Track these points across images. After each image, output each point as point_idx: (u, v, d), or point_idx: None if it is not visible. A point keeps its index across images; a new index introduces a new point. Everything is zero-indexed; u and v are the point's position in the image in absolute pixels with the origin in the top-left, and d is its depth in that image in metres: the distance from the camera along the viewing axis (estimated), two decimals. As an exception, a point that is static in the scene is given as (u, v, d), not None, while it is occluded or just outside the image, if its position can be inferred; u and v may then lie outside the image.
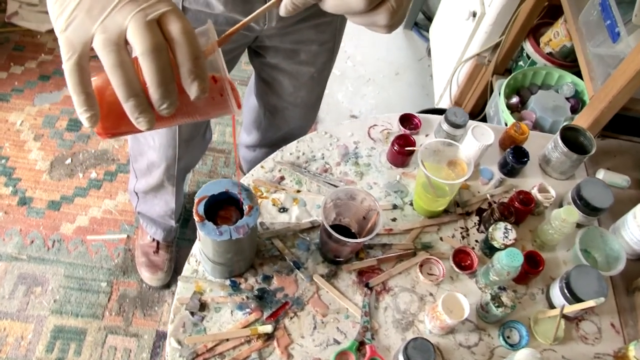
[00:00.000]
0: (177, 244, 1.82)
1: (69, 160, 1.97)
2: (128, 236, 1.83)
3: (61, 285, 1.71)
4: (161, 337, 1.66)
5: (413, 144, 1.09)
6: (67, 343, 1.61)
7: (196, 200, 0.81)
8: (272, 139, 1.60)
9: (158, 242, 1.74)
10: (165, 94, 0.50)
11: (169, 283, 1.75)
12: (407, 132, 1.15)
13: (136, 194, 1.57)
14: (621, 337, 1.00)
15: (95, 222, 1.85)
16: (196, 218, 0.80)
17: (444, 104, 2.15)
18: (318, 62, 1.23)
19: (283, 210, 1.03)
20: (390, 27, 0.56)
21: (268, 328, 0.89)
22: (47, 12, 2.29)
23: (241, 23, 0.58)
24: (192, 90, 0.51)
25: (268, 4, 0.58)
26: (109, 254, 1.79)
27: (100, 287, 1.72)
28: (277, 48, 1.16)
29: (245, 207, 0.81)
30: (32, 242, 1.78)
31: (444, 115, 1.13)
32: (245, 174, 1.89)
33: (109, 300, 1.70)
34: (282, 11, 0.56)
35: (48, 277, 1.72)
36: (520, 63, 1.71)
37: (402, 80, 2.52)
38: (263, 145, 1.66)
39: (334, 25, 1.16)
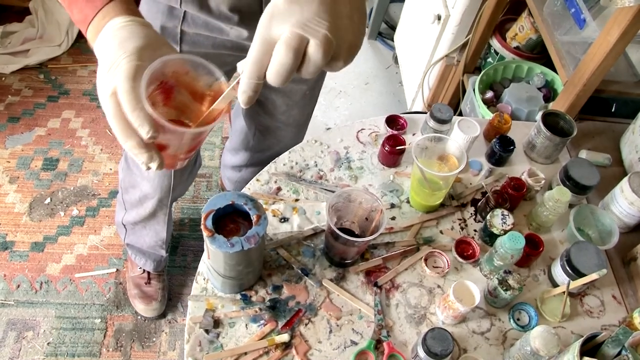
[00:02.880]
0: (167, 272, 1.80)
1: (48, 200, 1.94)
2: (117, 270, 1.80)
3: (53, 327, 1.66)
4: (162, 368, 1.63)
5: (403, 142, 1.11)
6: (66, 385, 1.57)
7: (203, 215, 0.81)
8: (260, 158, 1.60)
9: (149, 273, 1.71)
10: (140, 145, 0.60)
11: (165, 312, 1.73)
12: (395, 132, 1.17)
13: (124, 226, 1.55)
14: (623, 307, 1.03)
15: (82, 259, 1.81)
16: (206, 233, 0.80)
17: (417, 107, 2.19)
18: (311, 79, 1.24)
19: (284, 220, 1.04)
20: (344, 66, 0.61)
21: (285, 337, 0.89)
22: (10, 54, 2.26)
23: (214, 104, 0.64)
24: (141, 133, 0.58)
25: (225, 94, 0.63)
26: (100, 289, 1.75)
27: (95, 324, 1.68)
28: None
29: (253, 217, 0.82)
30: (19, 286, 1.74)
31: (429, 112, 1.15)
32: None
33: (104, 337, 1.66)
34: (242, 104, 0.59)
35: (39, 320, 1.68)
36: (489, 59, 1.76)
37: (373, 90, 2.56)
38: (250, 165, 1.66)
39: None
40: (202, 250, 1.92)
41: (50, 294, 1.73)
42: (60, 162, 2.05)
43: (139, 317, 1.71)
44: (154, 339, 1.68)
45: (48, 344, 1.63)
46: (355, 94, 2.53)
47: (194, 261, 1.85)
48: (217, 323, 0.90)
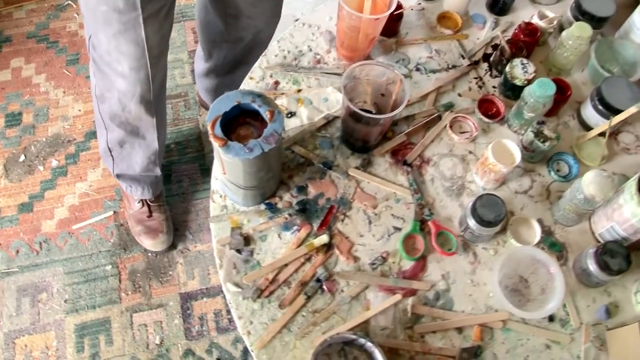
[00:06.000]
0: (167, 202, 1.71)
1: (22, 157, 1.80)
2: (115, 212, 1.71)
3: (66, 284, 1.60)
4: (186, 298, 1.59)
5: (400, 6, 1.00)
6: (95, 337, 1.52)
7: (209, 124, 0.71)
8: (235, 53, 1.48)
9: (149, 205, 1.62)
10: None
11: (174, 243, 1.66)
12: (387, -1, 1.05)
13: (110, 152, 1.42)
14: (659, 137, 0.98)
15: (76, 209, 1.72)
16: (217, 143, 0.70)
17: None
18: None
19: (291, 115, 0.94)
20: None
21: (324, 238, 0.82)
22: None
23: None
24: None
25: None
26: (102, 235, 1.67)
27: (106, 271, 1.62)
28: None
29: (266, 114, 0.72)
30: (18, 251, 1.64)
31: (420, -32, 1.03)
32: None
33: (120, 281, 1.61)
34: None
35: (49, 280, 1.60)
36: None
37: (334, -28, 2.38)
38: (227, 62, 1.54)
39: None
40: (196, 173, 1.83)
41: (52, 252, 1.65)
42: (24, 115, 1.89)
43: (150, 254, 1.65)
44: (171, 272, 1.63)
45: (65, 301, 1.57)
46: (316, -20, 2.35)
47: (190, 185, 1.77)
48: (247, 240, 0.83)
